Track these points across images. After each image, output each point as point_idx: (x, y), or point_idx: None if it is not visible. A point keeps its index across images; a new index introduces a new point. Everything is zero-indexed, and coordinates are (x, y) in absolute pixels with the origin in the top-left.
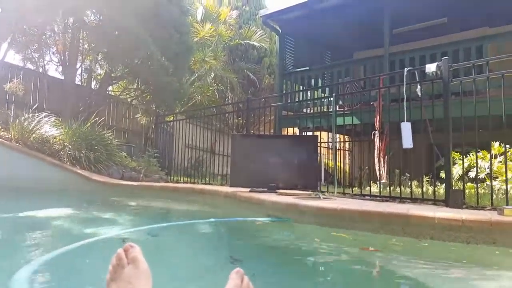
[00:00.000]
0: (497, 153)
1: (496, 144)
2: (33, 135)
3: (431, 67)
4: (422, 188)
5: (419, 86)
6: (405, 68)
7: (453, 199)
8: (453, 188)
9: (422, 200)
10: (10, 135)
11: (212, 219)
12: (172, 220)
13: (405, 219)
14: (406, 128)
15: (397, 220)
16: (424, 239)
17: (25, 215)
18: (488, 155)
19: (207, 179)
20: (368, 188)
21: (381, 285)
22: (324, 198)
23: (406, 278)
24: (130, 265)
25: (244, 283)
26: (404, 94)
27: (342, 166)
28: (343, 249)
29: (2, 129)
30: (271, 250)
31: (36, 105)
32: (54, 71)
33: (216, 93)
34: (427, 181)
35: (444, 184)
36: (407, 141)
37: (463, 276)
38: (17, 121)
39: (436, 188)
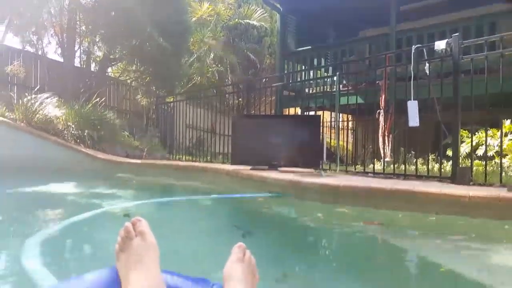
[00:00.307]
0: (507, 131)
1: (507, 122)
2: (37, 115)
3: (440, 44)
4: (427, 165)
5: (427, 64)
6: (413, 46)
7: (460, 176)
8: (460, 166)
9: (427, 177)
10: (14, 116)
11: (213, 195)
12: (174, 196)
13: (411, 195)
14: (413, 107)
15: (402, 196)
16: (429, 215)
17: (32, 190)
18: (498, 133)
19: (209, 157)
20: (371, 166)
21: (386, 259)
22: (326, 175)
23: (412, 252)
24: (137, 237)
25: (246, 257)
26: (412, 73)
27: (345, 145)
28: (346, 224)
29: (7, 110)
30: (274, 224)
31: (38, 87)
32: (53, 53)
33: (216, 74)
34: (432, 159)
35: (451, 162)
36: (414, 120)
37: (474, 252)
38: (20, 102)
39: (442, 166)
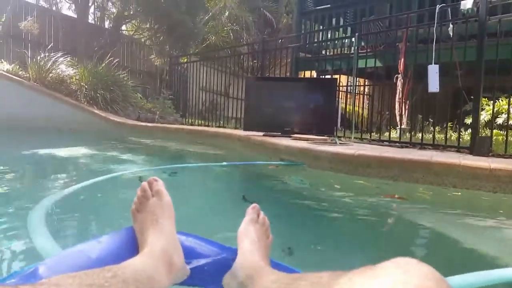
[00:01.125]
0: None
1: None
2: (50, 74)
3: (466, 4)
4: (446, 134)
5: (451, 25)
6: (437, 5)
7: (479, 146)
8: (480, 135)
9: (444, 147)
10: (28, 75)
11: (224, 163)
12: (185, 161)
13: (428, 166)
14: (433, 71)
15: (419, 167)
16: (446, 187)
17: (46, 152)
18: None
19: (221, 122)
20: (387, 134)
21: (409, 237)
22: (340, 143)
23: (437, 230)
24: (154, 197)
25: (260, 218)
26: (434, 34)
27: (361, 111)
28: (362, 195)
29: (20, 69)
30: (285, 194)
31: (51, 44)
32: (67, 9)
33: (231, 34)
34: (450, 127)
35: (470, 131)
36: (434, 85)
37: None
38: (34, 60)
39: (460, 134)
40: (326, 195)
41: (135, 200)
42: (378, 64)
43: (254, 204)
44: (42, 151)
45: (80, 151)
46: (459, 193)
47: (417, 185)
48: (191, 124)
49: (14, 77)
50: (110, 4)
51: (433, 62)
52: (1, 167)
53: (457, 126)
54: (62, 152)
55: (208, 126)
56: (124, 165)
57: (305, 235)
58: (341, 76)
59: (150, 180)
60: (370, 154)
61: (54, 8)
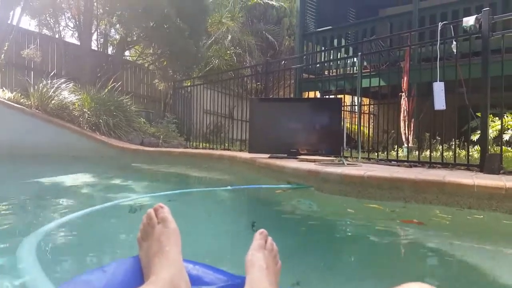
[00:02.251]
0: None
1: None
2: (52, 101)
3: (469, 20)
4: (455, 152)
5: (454, 42)
6: (439, 23)
7: (489, 164)
8: (489, 152)
9: (454, 165)
10: (30, 102)
11: (229, 187)
12: (190, 186)
13: (441, 187)
14: (438, 88)
15: (432, 188)
16: (461, 209)
17: (46, 181)
18: None
19: (226, 144)
20: (393, 153)
21: (433, 269)
22: (348, 164)
23: (462, 259)
24: (160, 224)
25: (268, 244)
26: (438, 52)
27: (366, 130)
28: (378, 221)
29: (22, 96)
30: (294, 221)
31: (54, 71)
32: (70, 36)
33: (234, 57)
34: (457, 144)
35: (479, 148)
36: (440, 102)
37: None
38: (36, 88)
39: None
40: (339, 221)
41: (140, 227)
42: (382, 83)
43: (261, 230)
44: (42, 180)
45: (80, 179)
46: (481, 216)
47: (431, 206)
48: (196, 148)
49: (15, 104)
50: (113, 30)
51: (437, 80)
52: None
53: (465, 143)
54: (62, 180)
55: (212, 149)
56: (125, 192)
57: (317, 266)
58: (345, 96)
59: (156, 207)
60: (380, 175)
61: (57, 36)
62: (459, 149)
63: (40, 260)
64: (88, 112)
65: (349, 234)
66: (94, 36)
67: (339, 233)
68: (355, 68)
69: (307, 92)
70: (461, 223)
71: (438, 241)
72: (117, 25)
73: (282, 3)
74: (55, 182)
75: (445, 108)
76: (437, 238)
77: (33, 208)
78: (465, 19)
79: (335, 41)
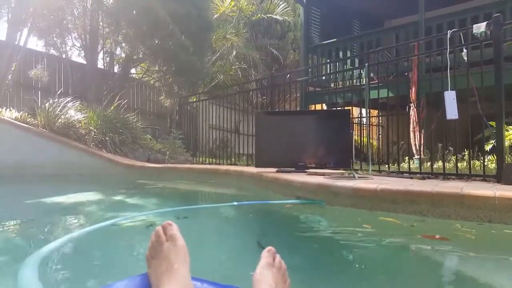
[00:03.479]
0: None
1: None
2: (59, 120)
3: (480, 27)
4: (469, 162)
5: (465, 50)
6: (448, 30)
7: (507, 174)
8: (506, 162)
9: (469, 176)
10: (36, 121)
11: (235, 203)
12: (196, 203)
13: (459, 199)
14: (450, 98)
15: (450, 201)
16: (482, 223)
17: (52, 201)
18: None
19: (233, 159)
20: (404, 164)
21: None
22: (359, 177)
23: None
24: (168, 242)
25: (276, 261)
26: (448, 60)
27: (375, 143)
28: (397, 237)
29: (29, 116)
30: (306, 238)
31: (61, 90)
32: (77, 56)
33: (239, 72)
34: (469, 155)
35: (495, 158)
36: (452, 111)
37: None
38: (42, 107)
39: (483, 162)
40: (355, 237)
41: (149, 245)
42: (390, 94)
43: (269, 247)
44: (48, 199)
45: (86, 197)
46: (506, 230)
47: (450, 220)
48: (202, 163)
49: (22, 124)
50: (119, 49)
51: (449, 89)
52: (7, 217)
53: (478, 153)
54: (68, 199)
55: (219, 164)
56: (132, 210)
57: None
58: (352, 107)
59: (164, 224)
60: (394, 188)
61: (64, 56)
62: (473, 159)
63: (44, 279)
64: (94, 130)
65: (368, 251)
66: (100, 55)
67: (356, 250)
68: (361, 79)
69: (313, 105)
70: (487, 237)
71: (464, 257)
72: (123, 44)
73: (286, 18)
74: (61, 201)
75: (457, 117)
76: (462, 255)
77: (38, 227)
78: (475, 26)
79: (340, 53)
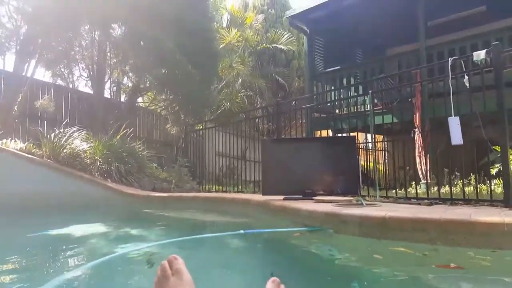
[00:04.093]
0: None
1: None
2: (64, 150)
3: (480, 54)
4: (476, 188)
5: (466, 77)
6: (450, 58)
7: None
8: None
9: (476, 201)
10: (41, 152)
11: (241, 231)
12: (202, 232)
13: (469, 227)
14: (454, 123)
15: (459, 228)
16: (493, 249)
17: (56, 233)
18: None
19: (240, 186)
20: (412, 190)
21: None
22: (367, 204)
23: None
24: (174, 276)
25: None
26: (450, 86)
27: (382, 167)
28: (411, 267)
29: (34, 146)
30: (316, 269)
31: (67, 120)
32: (84, 86)
33: (245, 99)
34: (475, 179)
35: (501, 182)
36: (456, 137)
37: None
38: (48, 137)
39: (489, 187)
40: (366, 269)
41: (155, 280)
42: (395, 120)
43: (273, 278)
44: (52, 231)
45: (91, 229)
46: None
47: (461, 248)
48: (208, 191)
49: (27, 155)
50: (126, 78)
51: (452, 114)
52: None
53: (484, 177)
54: (73, 231)
55: (225, 191)
56: (137, 241)
57: None
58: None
59: (169, 258)
60: (403, 216)
61: (71, 86)
62: (479, 184)
63: None
64: (100, 160)
65: (383, 284)
66: (107, 85)
67: (370, 282)
68: (365, 106)
69: (319, 131)
70: (504, 265)
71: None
72: (130, 73)
73: (290, 47)
74: (65, 234)
75: (462, 143)
76: (481, 285)
77: (41, 261)
78: (475, 53)
79: (344, 80)
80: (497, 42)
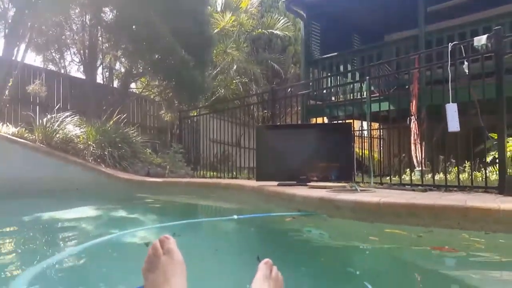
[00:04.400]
0: None
1: None
2: (57, 135)
3: (481, 39)
4: (471, 174)
5: (466, 63)
6: (449, 43)
7: (509, 186)
8: (508, 174)
9: (471, 188)
10: (34, 136)
11: (235, 216)
12: (196, 217)
13: (463, 212)
14: (452, 110)
15: (454, 214)
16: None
17: (49, 216)
18: None
19: (234, 173)
20: (406, 177)
21: None
22: (361, 190)
23: None
24: (165, 255)
25: (273, 274)
26: (449, 72)
27: (376, 155)
28: (406, 249)
29: (26, 131)
30: (309, 252)
31: (59, 105)
32: (76, 71)
33: (240, 86)
34: (469, 166)
35: (496, 170)
36: (453, 124)
37: None
38: (40, 122)
39: (484, 174)
40: (362, 250)
41: (146, 259)
42: (391, 107)
43: (266, 260)
44: (45, 215)
45: (84, 212)
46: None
47: (456, 230)
48: (203, 177)
49: (19, 139)
50: (118, 64)
51: (450, 101)
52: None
53: (480, 165)
54: (65, 214)
55: (220, 177)
56: (129, 224)
57: None
58: (353, 120)
59: (161, 238)
60: (397, 201)
61: (62, 71)
62: (474, 171)
63: None
64: (93, 145)
65: (380, 264)
66: (99, 70)
67: (365, 262)
68: (362, 93)
69: (314, 118)
70: (494, 249)
71: (479, 269)
72: (122, 59)
73: (286, 33)
74: (58, 217)
75: (459, 129)
76: (477, 265)
77: (32, 244)
78: (476, 38)
79: (341, 67)
80: (498, 27)
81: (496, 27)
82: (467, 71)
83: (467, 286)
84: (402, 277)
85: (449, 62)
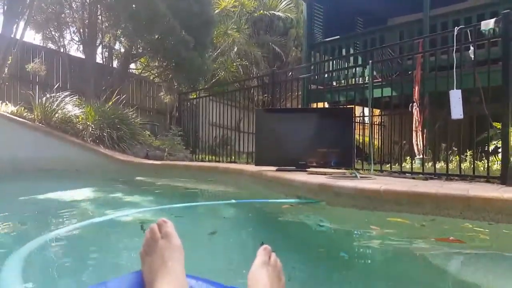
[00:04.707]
0: None
1: None
2: (56, 115)
3: (488, 23)
4: (473, 164)
5: (471, 48)
6: (455, 27)
7: (511, 175)
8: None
9: (473, 177)
10: (33, 116)
11: (233, 200)
12: (194, 200)
13: (466, 201)
14: (455, 97)
15: (456, 203)
16: (491, 224)
17: (47, 197)
18: None
19: (233, 157)
20: (406, 164)
21: None
22: (361, 177)
23: None
24: (163, 239)
25: (271, 260)
26: (454, 58)
27: (376, 142)
28: (409, 239)
29: (25, 110)
30: (306, 240)
31: (59, 84)
32: (75, 50)
33: (240, 69)
34: (470, 155)
35: (499, 159)
36: (457, 111)
37: None
38: (39, 101)
39: (485, 164)
40: (364, 239)
41: (143, 242)
42: (394, 93)
43: (265, 245)
44: (43, 195)
45: (82, 193)
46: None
47: (459, 219)
48: (202, 160)
49: (18, 118)
50: (118, 44)
51: (454, 87)
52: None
53: (482, 154)
54: (64, 195)
55: (219, 161)
56: (127, 206)
57: None
58: (355, 106)
59: (159, 221)
60: (399, 189)
61: (62, 50)
62: (476, 160)
63: (30, 277)
64: (92, 125)
65: (381, 256)
66: (99, 49)
67: (366, 253)
68: (364, 78)
69: (315, 103)
70: (497, 240)
71: (487, 263)
72: (122, 38)
73: (289, 14)
74: (56, 198)
75: (462, 117)
76: (484, 259)
77: (29, 223)
78: (483, 22)
79: (343, 50)
80: (507, 11)
81: (505, 11)
82: (472, 56)
83: (474, 277)
84: (413, 270)
85: (455, 47)
